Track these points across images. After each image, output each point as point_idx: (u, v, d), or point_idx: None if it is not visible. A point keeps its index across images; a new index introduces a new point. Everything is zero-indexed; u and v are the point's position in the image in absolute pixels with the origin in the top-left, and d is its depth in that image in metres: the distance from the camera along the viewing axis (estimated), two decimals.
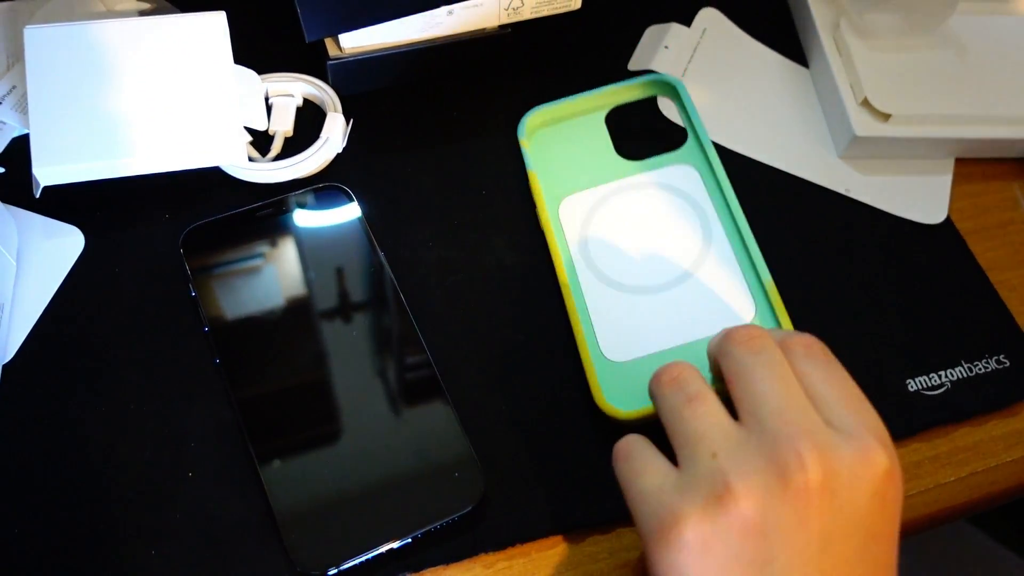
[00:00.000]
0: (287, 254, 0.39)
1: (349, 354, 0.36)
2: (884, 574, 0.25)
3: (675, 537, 0.25)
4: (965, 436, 0.38)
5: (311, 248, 0.39)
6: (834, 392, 0.27)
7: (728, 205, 0.41)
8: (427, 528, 0.33)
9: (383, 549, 0.32)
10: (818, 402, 0.27)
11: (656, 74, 0.45)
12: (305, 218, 0.40)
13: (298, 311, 0.38)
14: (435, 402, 0.36)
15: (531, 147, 0.43)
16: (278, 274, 0.38)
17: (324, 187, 0.41)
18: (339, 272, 0.39)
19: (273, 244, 0.39)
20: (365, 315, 0.38)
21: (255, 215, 0.40)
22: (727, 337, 0.29)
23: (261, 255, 0.39)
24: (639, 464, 0.28)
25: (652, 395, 0.29)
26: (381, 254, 0.39)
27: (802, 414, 0.26)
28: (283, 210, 0.40)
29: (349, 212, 0.40)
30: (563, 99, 0.44)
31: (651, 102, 0.45)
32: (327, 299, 0.38)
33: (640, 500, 0.27)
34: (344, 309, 0.38)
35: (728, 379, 0.28)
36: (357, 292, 0.38)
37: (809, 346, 0.29)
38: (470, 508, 0.33)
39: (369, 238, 0.40)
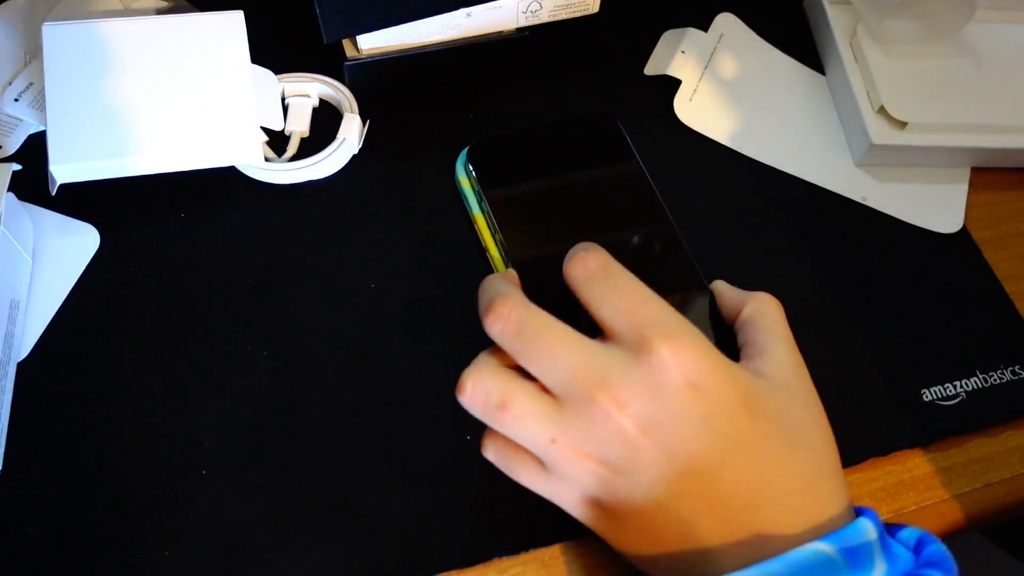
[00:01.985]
0: (566, 170, 0.41)
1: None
2: (727, 434, 0.28)
3: (570, 508, 0.30)
4: (980, 447, 0.38)
5: (583, 167, 0.41)
6: (617, 307, 0.30)
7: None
8: None
9: None
10: (605, 323, 0.30)
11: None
12: (576, 140, 0.42)
13: (579, 223, 0.39)
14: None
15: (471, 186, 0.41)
16: (557, 188, 0.40)
17: (592, 116, 0.42)
18: (609, 188, 0.41)
19: (551, 160, 0.41)
20: (635, 227, 0.40)
21: (532, 134, 0.42)
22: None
23: (543, 171, 0.41)
24: (521, 469, 0.31)
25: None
26: (646, 171, 0.41)
27: (591, 363, 0.28)
28: (557, 132, 0.42)
29: (615, 136, 0.42)
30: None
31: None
32: (604, 213, 0.40)
33: (537, 491, 0.30)
34: (618, 223, 0.39)
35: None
36: (625, 207, 0.40)
37: (588, 268, 0.30)
38: None
39: (632, 153, 0.41)
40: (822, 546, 0.27)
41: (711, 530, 0.28)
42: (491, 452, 0.31)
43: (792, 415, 0.30)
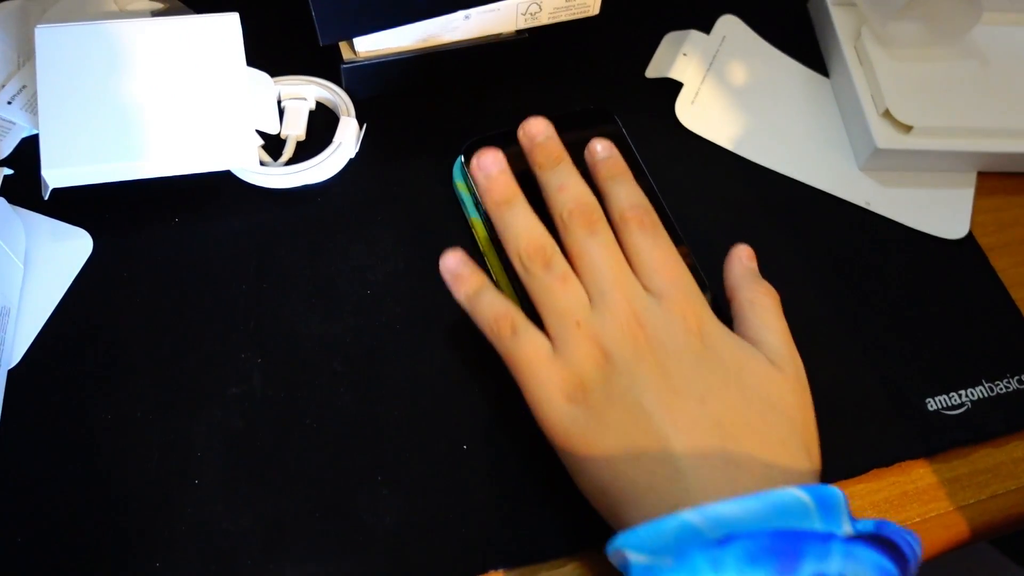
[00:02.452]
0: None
1: None
2: (719, 376, 0.32)
3: (557, 391, 0.32)
4: (985, 457, 0.38)
5: (580, 163, 0.39)
6: (656, 259, 0.34)
7: None
8: None
9: None
10: (641, 270, 0.34)
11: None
12: (572, 136, 0.39)
13: None
14: None
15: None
16: None
17: (587, 110, 0.43)
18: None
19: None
20: None
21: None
22: (570, 214, 0.35)
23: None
24: (523, 338, 0.33)
25: (519, 265, 0.35)
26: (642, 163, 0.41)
27: (629, 286, 0.34)
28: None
29: (612, 131, 0.41)
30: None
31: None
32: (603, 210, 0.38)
33: (529, 371, 0.33)
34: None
35: (568, 251, 0.35)
36: None
37: (641, 220, 0.35)
38: None
39: (632, 152, 0.41)
40: (799, 492, 0.28)
41: (687, 448, 0.30)
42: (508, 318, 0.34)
43: (779, 392, 0.32)
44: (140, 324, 0.37)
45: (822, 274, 0.41)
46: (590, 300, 0.34)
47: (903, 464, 0.37)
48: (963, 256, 0.43)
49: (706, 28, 0.48)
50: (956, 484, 0.37)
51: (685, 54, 0.47)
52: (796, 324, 0.39)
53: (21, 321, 0.37)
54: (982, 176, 0.45)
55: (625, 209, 0.36)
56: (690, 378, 0.31)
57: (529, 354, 0.33)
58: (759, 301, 0.35)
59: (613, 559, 0.30)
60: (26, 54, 0.43)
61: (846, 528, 0.28)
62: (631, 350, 0.32)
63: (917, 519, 0.36)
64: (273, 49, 0.44)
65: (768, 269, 0.41)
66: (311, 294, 0.39)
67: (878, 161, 0.44)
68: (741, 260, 0.37)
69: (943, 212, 0.44)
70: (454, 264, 0.35)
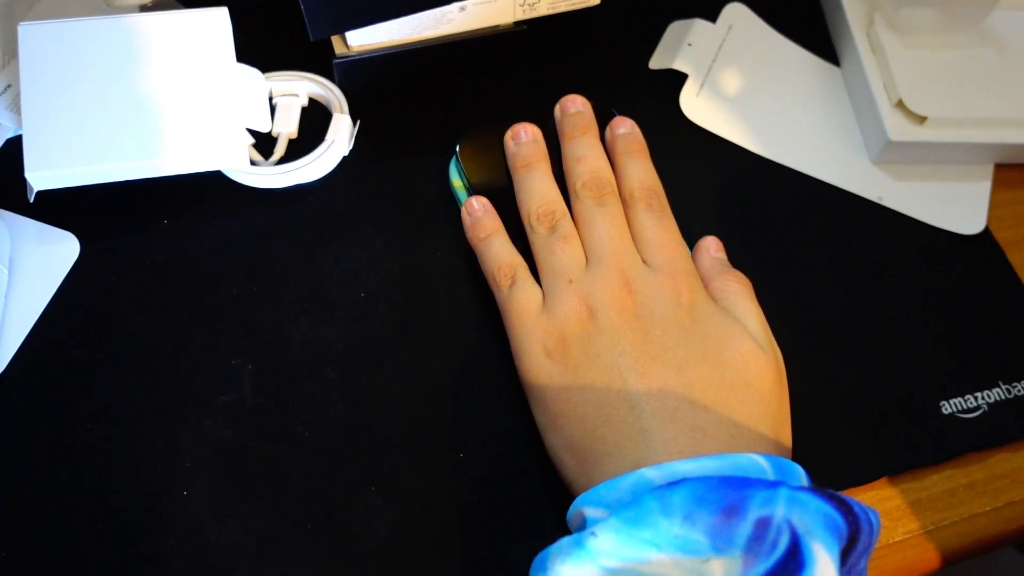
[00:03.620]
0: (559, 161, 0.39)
1: None
2: (700, 348, 0.32)
3: (538, 342, 0.33)
4: (1002, 462, 0.37)
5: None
6: (659, 238, 0.36)
7: None
8: None
9: None
10: (642, 245, 0.36)
11: None
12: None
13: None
14: None
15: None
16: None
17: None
18: None
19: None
20: None
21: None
22: (583, 184, 0.37)
23: None
24: (519, 290, 0.35)
25: (528, 225, 0.37)
26: None
27: (626, 256, 0.35)
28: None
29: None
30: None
31: None
32: None
33: (517, 321, 0.34)
34: None
35: (577, 218, 0.36)
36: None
37: (650, 201, 0.37)
38: None
39: None
40: (759, 458, 0.29)
41: (656, 412, 0.31)
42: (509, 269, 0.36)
43: (758, 371, 0.32)
44: (128, 330, 0.37)
45: (831, 271, 0.40)
46: (587, 263, 0.35)
47: (916, 471, 0.36)
48: (980, 252, 0.41)
49: (712, 17, 0.47)
50: (972, 491, 0.36)
51: (690, 44, 0.46)
52: (803, 324, 0.38)
53: (6, 327, 0.36)
54: (1000, 168, 0.44)
55: (635, 188, 0.37)
56: (670, 347, 0.32)
57: (521, 305, 0.34)
58: (732, 288, 0.35)
59: (572, 522, 0.30)
60: (11, 52, 0.42)
61: (797, 482, 0.28)
62: (616, 312, 0.33)
63: (931, 527, 0.35)
64: (264, 44, 0.43)
65: (775, 267, 0.40)
66: (303, 298, 0.38)
67: (891, 154, 0.43)
68: (709, 251, 0.37)
69: (959, 206, 0.42)
70: (478, 207, 0.38)
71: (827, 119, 0.45)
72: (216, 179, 0.40)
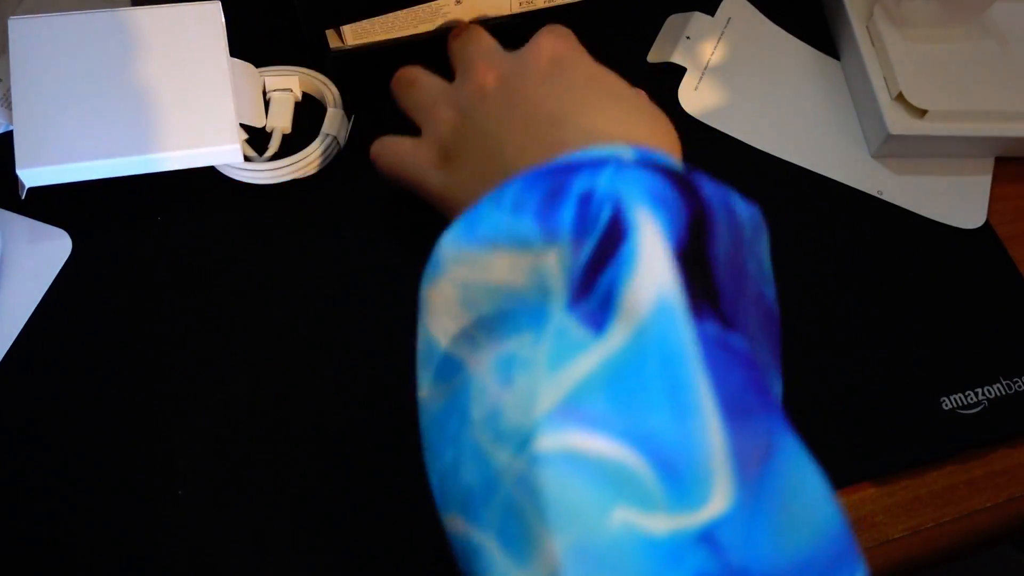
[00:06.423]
0: None
1: None
2: (565, 83, 0.32)
3: (427, 166, 0.35)
4: (1003, 459, 0.36)
5: None
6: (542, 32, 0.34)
7: None
8: None
9: None
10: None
11: None
12: None
13: None
14: None
15: None
16: None
17: None
18: None
19: None
20: None
21: None
22: (460, 36, 0.38)
23: None
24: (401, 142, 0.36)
25: (395, 96, 0.38)
26: None
27: (493, 55, 0.35)
28: None
29: None
30: None
31: None
32: None
33: (404, 161, 0.36)
34: None
35: (453, 58, 0.37)
36: None
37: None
38: None
39: None
40: (621, 148, 0.27)
41: (516, 143, 0.31)
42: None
43: (637, 98, 0.33)
44: (121, 327, 0.36)
45: (831, 266, 0.40)
46: (451, 83, 0.36)
47: (916, 467, 0.36)
48: (980, 246, 0.41)
49: (710, 10, 0.47)
50: (972, 487, 0.36)
51: (688, 37, 0.45)
52: (802, 319, 0.38)
53: None
54: (1000, 162, 0.44)
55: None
56: (531, 89, 0.32)
57: (405, 147, 0.36)
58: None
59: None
60: (1, 47, 0.42)
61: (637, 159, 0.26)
62: (479, 96, 0.33)
63: (931, 524, 0.35)
64: (257, 38, 0.42)
65: (774, 261, 0.40)
66: (299, 295, 0.37)
67: (891, 147, 0.42)
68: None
69: (959, 200, 0.42)
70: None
71: (826, 113, 0.44)
72: (210, 175, 0.40)
